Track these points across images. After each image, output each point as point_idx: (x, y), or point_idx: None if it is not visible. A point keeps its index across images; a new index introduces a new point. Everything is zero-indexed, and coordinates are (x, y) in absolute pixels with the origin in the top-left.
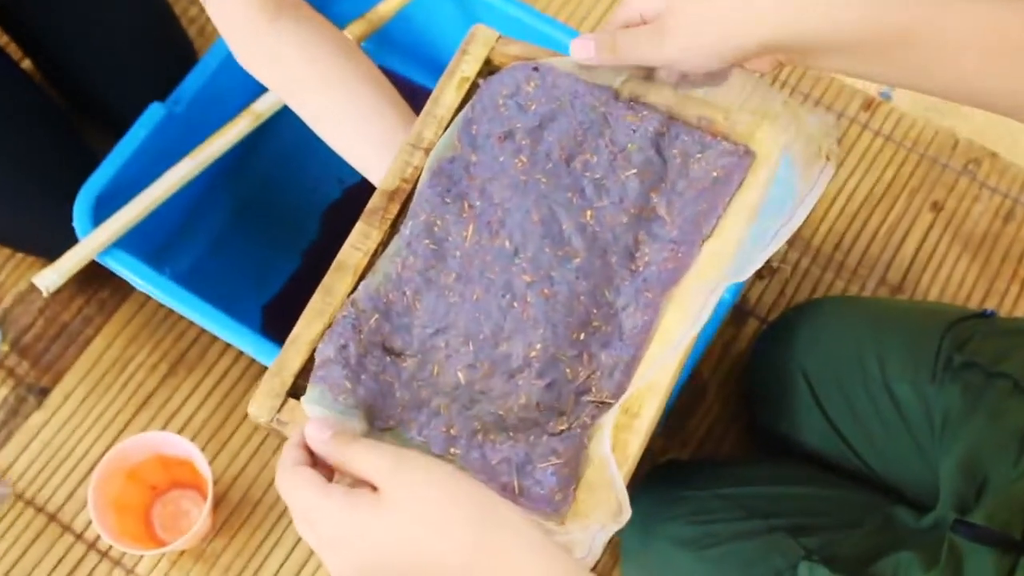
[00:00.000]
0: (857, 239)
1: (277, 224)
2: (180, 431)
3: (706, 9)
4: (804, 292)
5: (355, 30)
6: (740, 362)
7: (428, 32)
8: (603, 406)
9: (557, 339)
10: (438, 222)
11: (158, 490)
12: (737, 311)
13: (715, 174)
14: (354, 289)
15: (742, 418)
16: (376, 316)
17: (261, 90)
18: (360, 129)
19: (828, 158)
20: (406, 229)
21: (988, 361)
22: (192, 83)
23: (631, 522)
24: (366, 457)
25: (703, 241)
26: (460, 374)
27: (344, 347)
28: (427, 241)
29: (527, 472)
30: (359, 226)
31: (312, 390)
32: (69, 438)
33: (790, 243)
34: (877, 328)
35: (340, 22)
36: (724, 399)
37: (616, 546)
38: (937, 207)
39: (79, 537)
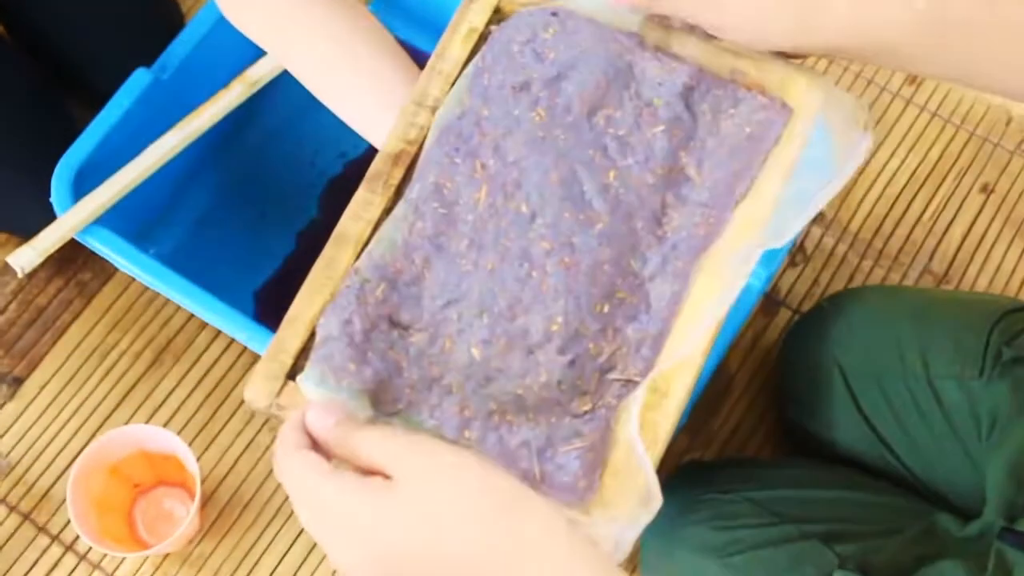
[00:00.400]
0: (899, 224)
1: (271, 202)
2: (165, 424)
3: None
4: (840, 281)
5: None
6: (770, 356)
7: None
8: (630, 384)
9: (580, 311)
10: (448, 184)
11: (141, 488)
12: (768, 300)
13: (749, 130)
14: (358, 257)
15: (771, 416)
16: (383, 286)
17: (256, 56)
18: (359, 85)
19: (866, 128)
20: (412, 192)
21: None
22: (180, 48)
23: (650, 526)
24: (377, 443)
25: (736, 204)
26: (474, 350)
27: (348, 322)
28: (436, 204)
29: (548, 457)
30: (360, 193)
31: (312, 370)
32: (45, 431)
33: (826, 227)
34: (920, 320)
35: None
36: (752, 395)
37: (636, 551)
38: (987, 189)
39: (55, 538)
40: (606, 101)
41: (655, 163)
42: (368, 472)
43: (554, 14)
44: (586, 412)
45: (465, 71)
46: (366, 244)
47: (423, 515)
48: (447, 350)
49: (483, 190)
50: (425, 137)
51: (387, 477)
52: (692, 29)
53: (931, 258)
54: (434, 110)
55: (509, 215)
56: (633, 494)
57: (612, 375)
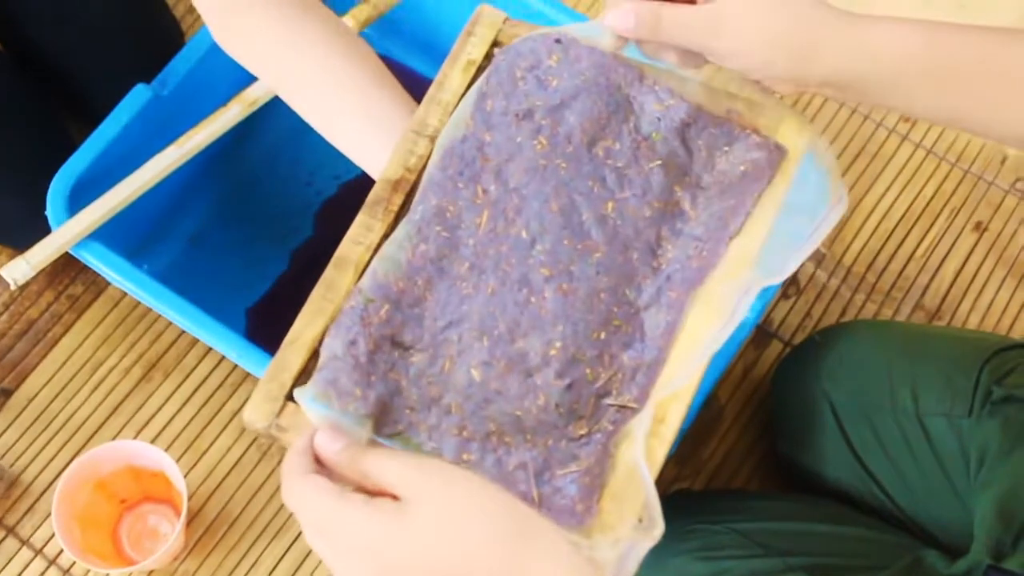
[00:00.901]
0: (892, 259)
1: (266, 221)
2: (153, 440)
3: (778, 7)
4: (833, 314)
5: (359, 15)
6: (761, 387)
7: (436, 20)
8: (624, 410)
9: (577, 337)
10: (450, 207)
11: (128, 504)
12: (759, 332)
13: (743, 168)
14: (358, 280)
15: (760, 447)
16: (387, 306)
17: (255, 76)
18: (351, 112)
19: (838, 202)
20: (416, 214)
21: None
22: (180, 65)
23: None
24: (387, 465)
25: (730, 239)
26: (474, 371)
27: (353, 343)
28: (439, 228)
29: (546, 480)
30: (360, 218)
31: (315, 390)
32: (32, 444)
33: (819, 261)
34: (911, 356)
35: (343, 7)
36: (742, 427)
37: None
38: (980, 228)
39: (39, 552)
40: (606, 133)
41: (652, 196)
42: (376, 494)
43: (558, 41)
44: (582, 436)
45: (468, 93)
46: (366, 268)
47: (435, 536)
48: (447, 371)
49: (484, 215)
50: (424, 165)
51: (395, 499)
52: (692, 61)
53: (923, 294)
54: (433, 139)
55: (509, 240)
56: (634, 518)
57: (608, 400)
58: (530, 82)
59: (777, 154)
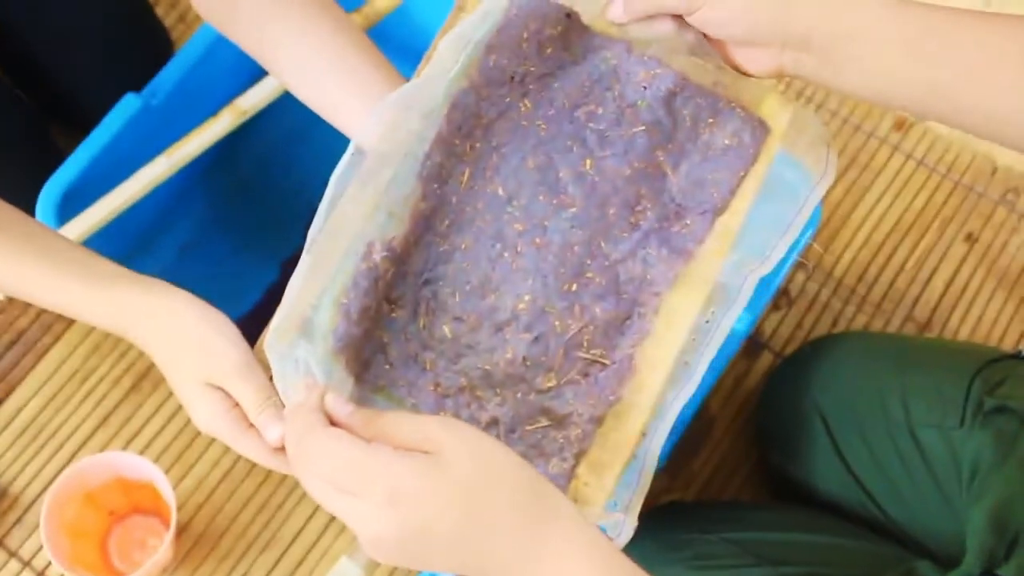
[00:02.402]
0: (883, 271)
1: (257, 231)
2: (143, 452)
3: None
4: (823, 326)
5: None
6: (752, 398)
7: (426, 29)
8: (596, 365)
9: (547, 290)
10: (446, 163)
11: (116, 516)
12: (750, 343)
13: (727, 142)
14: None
15: (751, 458)
16: (391, 270)
17: (246, 84)
18: (338, 81)
19: (829, 146)
20: (424, 170)
21: (1022, 406)
22: (171, 74)
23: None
24: (408, 422)
25: (713, 214)
26: (446, 327)
27: (367, 309)
28: (435, 185)
29: (517, 437)
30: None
31: (324, 346)
32: (21, 454)
33: (809, 272)
34: (901, 368)
35: None
36: (733, 438)
37: None
38: (971, 239)
39: (27, 564)
40: (590, 99)
41: (632, 157)
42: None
43: (568, 15)
44: (550, 388)
45: (477, 41)
46: None
47: (468, 492)
48: (423, 327)
49: (467, 172)
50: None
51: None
52: (681, 32)
53: (914, 306)
54: (423, 115)
55: (486, 197)
56: (609, 499)
57: (578, 352)
58: (532, 45)
59: (761, 131)
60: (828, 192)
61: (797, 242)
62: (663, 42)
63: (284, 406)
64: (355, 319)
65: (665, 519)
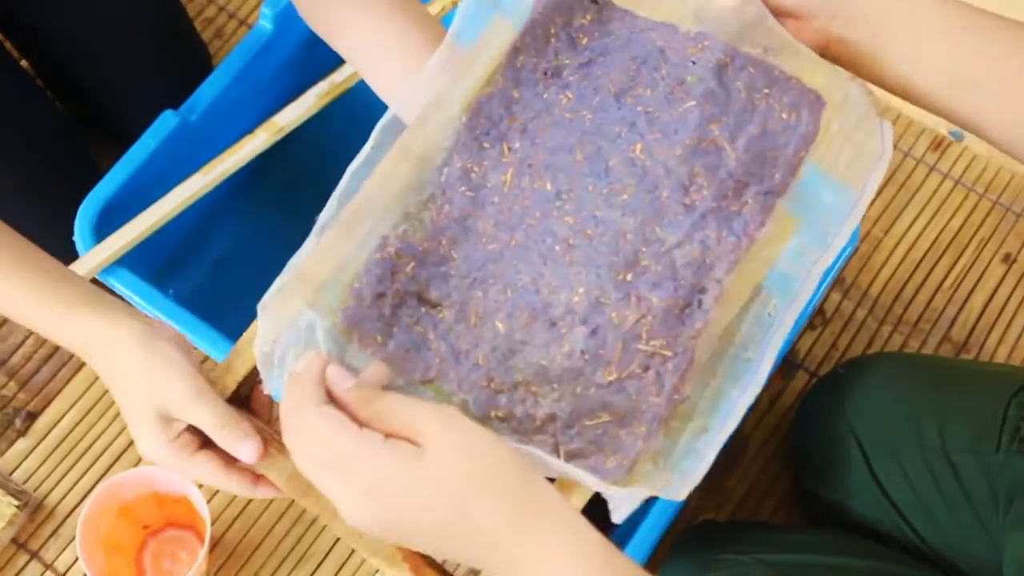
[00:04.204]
0: (919, 291)
1: (291, 246)
2: None
3: None
4: (859, 346)
5: None
6: (786, 418)
7: None
8: (655, 357)
9: (601, 281)
10: (475, 168)
11: (151, 529)
12: (785, 363)
13: (785, 116)
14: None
15: (785, 479)
16: (413, 264)
17: (282, 102)
18: (394, 58)
19: (881, 120)
20: (441, 176)
21: None
22: (208, 91)
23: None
24: (404, 408)
25: (773, 194)
26: (499, 324)
27: (382, 295)
28: (464, 188)
29: (575, 433)
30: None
31: (332, 319)
32: (56, 468)
33: (845, 291)
34: (937, 390)
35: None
36: (767, 457)
37: None
38: (1009, 259)
39: None
40: (636, 83)
41: (685, 134)
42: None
43: (594, 1)
44: (612, 382)
45: (499, 49)
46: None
47: (451, 484)
48: (474, 324)
49: (509, 172)
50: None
51: (411, 443)
52: (743, 7)
53: (951, 326)
54: (440, 123)
55: (534, 194)
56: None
57: (637, 345)
58: (562, 39)
59: (818, 105)
60: (865, 210)
61: (835, 261)
62: (717, 18)
63: (247, 423)
64: (367, 303)
65: (699, 539)
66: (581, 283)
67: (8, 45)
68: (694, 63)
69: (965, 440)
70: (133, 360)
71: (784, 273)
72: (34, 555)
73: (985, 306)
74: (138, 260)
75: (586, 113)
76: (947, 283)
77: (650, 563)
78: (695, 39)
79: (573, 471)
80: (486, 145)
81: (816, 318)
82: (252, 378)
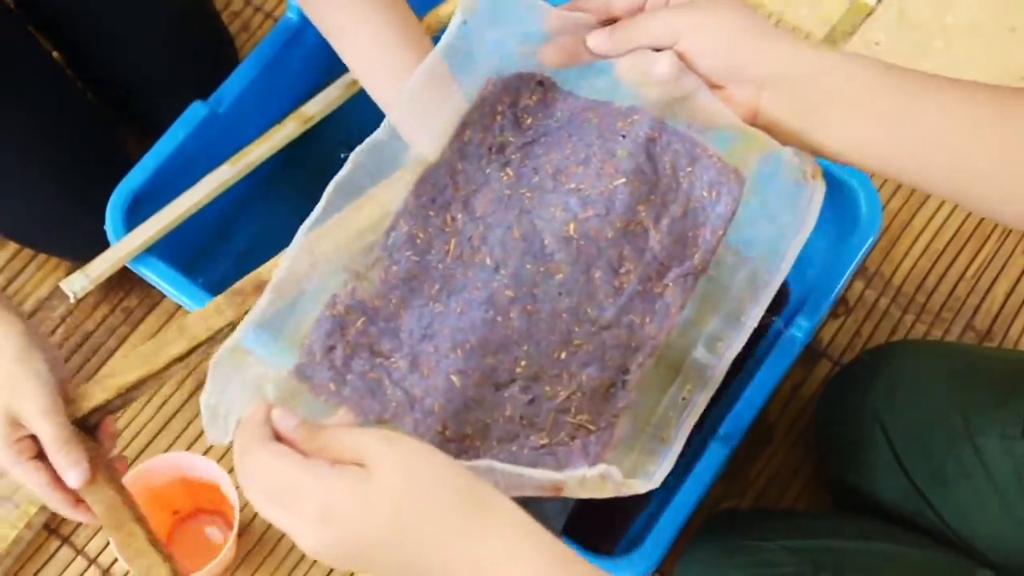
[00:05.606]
0: (942, 280)
1: None
2: (206, 453)
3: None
4: (882, 334)
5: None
6: (809, 406)
7: None
8: (581, 429)
9: (540, 356)
10: (420, 234)
11: (180, 515)
12: (808, 351)
13: (705, 194)
14: (187, 354)
15: (808, 467)
16: (362, 319)
17: (309, 93)
18: (379, 55)
19: (813, 177)
20: (388, 239)
21: None
22: (236, 82)
23: (688, 572)
24: (348, 436)
25: (695, 277)
26: (453, 377)
27: (332, 348)
28: (409, 252)
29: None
30: (218, 299)
31: (288, 380)
32: None
33: (868, 280)
34: (961, 377)
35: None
36: (790, 446)
37: None
38: None
39: (93, 561)
40: (571, 160)
41: (614, 215)
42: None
43: (540, 83)
44: (543, 446)
45: (446, 120)
46: (200, 345)
47: (399, 502)
48: (426, 376)
49: (452, 243)
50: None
51: (359, 467)
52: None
53: (974, 315)
54: (389, 188)
55: (475, 266)
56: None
57: (566, 417)
58: (508, 117)
59: (737, 183)
60: (887, 200)
61: (857, 250)
62: (651, 92)
63: (83, 450)
64: (318, 357)
65: (723, 526)
66: (523, 355)
67: (37, 36)
68: (624, 136)
69: (990, 425)
70: (3, 358)
71: (698, 359)
72: (65, 540)
73: (1008, 295)
74: (167, 249)
75: (525, 191)
76: (969, 272)
77: (671, 551)
78: (626, 113)
79: (529, 472)
80: (431, 213)
81: (839, 307)
82: (105, 408)
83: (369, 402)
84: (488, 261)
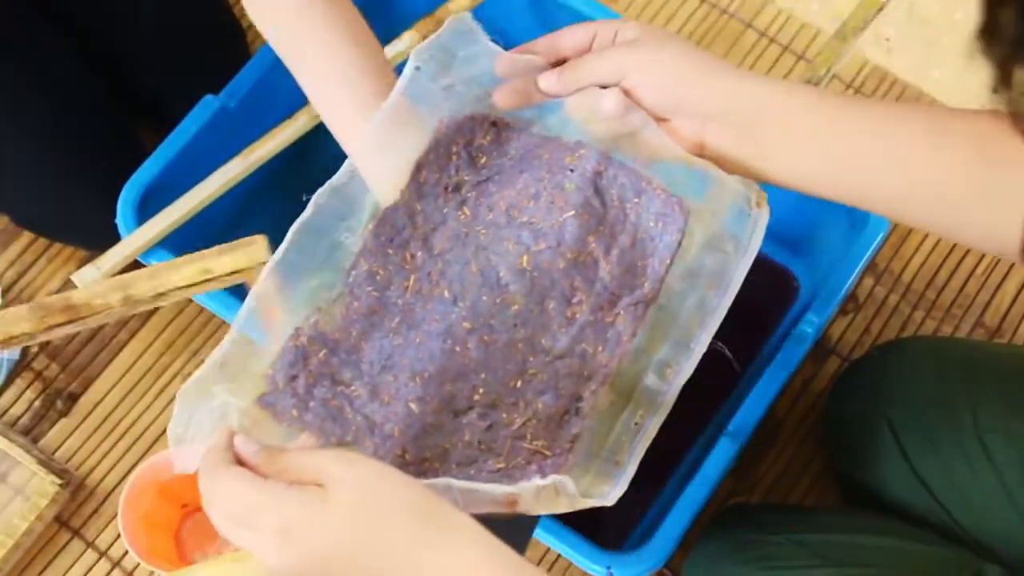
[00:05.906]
0: (952, 276)
1: None
2: None
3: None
4: (891, 331)
5: (423, 28)
6: (818, 402)
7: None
8: (537, 455)
9: (497, 384)
10: (380, 271)
11: (189, 508)
12: (818, 347)
13: (652, 224)
14: None
15: (817, 463)
16: (324, 351)
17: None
18: (344, 97)
19: (759, 205)
20: (350, 277)
21: None
22: (248, 77)
23: (696, 566)
24: (307, 457)
25: (646, 305)
26: (412, 404)
27: (295, 378)
28: (370, 288)
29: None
30: (21, 308)
31: (255, 410)
32: (97, 448)
33: (877, 277)
34: (971, 374)
35: (407, 20)
36: (799, 442)
37: None
38: None
39: (103, 554)
40: (523, 196)
41: (565, 247)
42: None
43: (493, 124)
44: (500, 469)
45: (405, 162)
46: None
47: (354, 517)
48: (387, 403)
49: (411, 279)
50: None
51: (317, 486)
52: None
53: (983, 312)
54: (349, 228)
55: (433, 300)
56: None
57: (522, 443)
58: (463, 157)
59: (682, 214)
60: None
61: (867, 246)
62: (600, 126)
63: None
64: (281, 386)
65: (731, 521)
66: (480, 383)
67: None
68: (572, 171)
69: (998, 421)
70: None
71: (649, 386)
72: (76, 533)
73: (1018, 292)
74: (178, 243)
75: (480, 228)
76: (979, 269)
77: (680, 547)
78: (573, 148)
79: (484, 487)
80: (390, 251)
81: (849, 303)
82: None
83: (331, 425)
84: (446, 294)
